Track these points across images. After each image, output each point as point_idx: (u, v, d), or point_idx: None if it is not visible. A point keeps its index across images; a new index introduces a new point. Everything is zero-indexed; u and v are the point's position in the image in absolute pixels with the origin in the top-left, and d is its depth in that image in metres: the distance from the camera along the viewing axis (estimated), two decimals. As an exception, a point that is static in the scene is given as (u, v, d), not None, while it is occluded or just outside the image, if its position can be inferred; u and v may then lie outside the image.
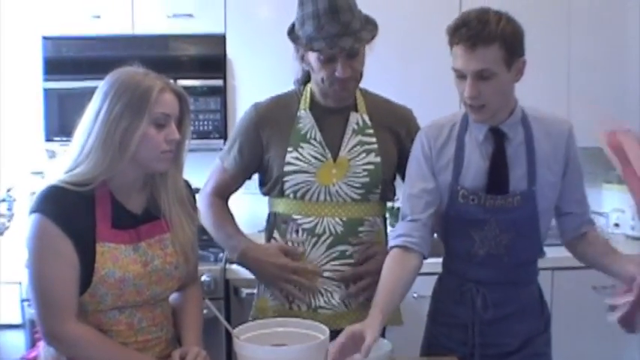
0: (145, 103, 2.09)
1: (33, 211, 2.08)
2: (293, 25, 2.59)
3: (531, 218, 2.41)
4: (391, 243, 2.47)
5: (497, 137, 2.42)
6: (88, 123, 2.12)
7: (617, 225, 4.51)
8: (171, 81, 2.22)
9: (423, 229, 2.45)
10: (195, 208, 2.40)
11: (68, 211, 2.08)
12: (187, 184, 2.37)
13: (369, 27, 2.54)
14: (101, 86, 2.15)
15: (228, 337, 2.34)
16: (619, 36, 4.40)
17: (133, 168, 2.15)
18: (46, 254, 2.07)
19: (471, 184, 2.43)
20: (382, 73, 3.69)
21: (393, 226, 2.82)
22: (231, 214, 2.78)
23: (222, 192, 2.77)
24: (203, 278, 3.71)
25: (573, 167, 2.45)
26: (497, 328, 2.45)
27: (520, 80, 2.39)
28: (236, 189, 2.81)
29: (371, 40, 2.53)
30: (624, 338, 4.01)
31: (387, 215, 2.91)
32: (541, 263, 2.56)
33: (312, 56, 2.53)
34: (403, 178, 2.75)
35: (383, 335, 2.59)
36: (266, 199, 2.77)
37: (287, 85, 2.76)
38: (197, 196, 2.58)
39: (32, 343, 2.46)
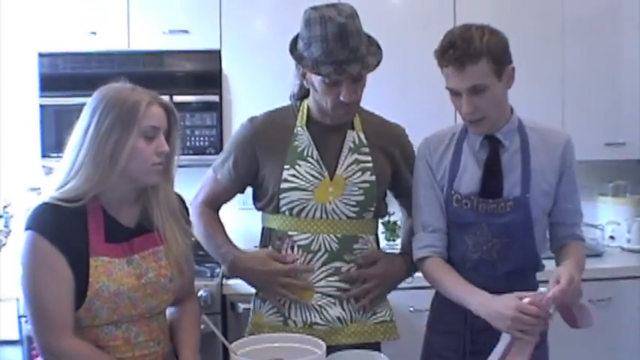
0: (133, 117, 2.11)
1: (26, 229, 2.10)
2: (295, 42, 2.56)
3: (524, 225, 2.42)
4: (419, 253, 2.55)
5: (493, 144, 2.47)
6: (77, 139, 2.13)
7: (612, 237, 4.51)
8: (160, 96, 2.24)
9: (444, 238, 2.53)
10: (188, 221, 2.41)
11: (61, 227, 2.09)
12: (180, 198, 2.38)
13: (372, 49, 2.54)
14: (89, 103, 2.16)
15: (225, 352, 2.35)
16: (613, 46, 4.43)
17: (124, 182, 2.16)
18: (41, 271, 2.08)
19: (465, 190, 2.48)
20: (378, 88, 3.70)
21: (388, 240, 2.84)
22: (222, 224, 2.77)
23: (214, 203, 2.77)
24: (200, 293, 3.71)
25: (568, 178, 2.47)
26: (489, 335, 2.45)
27: (515, 91, 2.43)
28: (228, 200, 2.80)
29: (377, 65, 2.51)
30: (622, 350, 4.02)
31: (384, 230, 2.92)
32: (539, 275, 2.56)
33: (316, 78, 2.51)
34: (396, 196, 2.77)
35: (379, 349, 2.60)
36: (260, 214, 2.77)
37: (283, 100, 2.75)
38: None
39: (31, 358, 2.46)
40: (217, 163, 2.75)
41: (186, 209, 2.41)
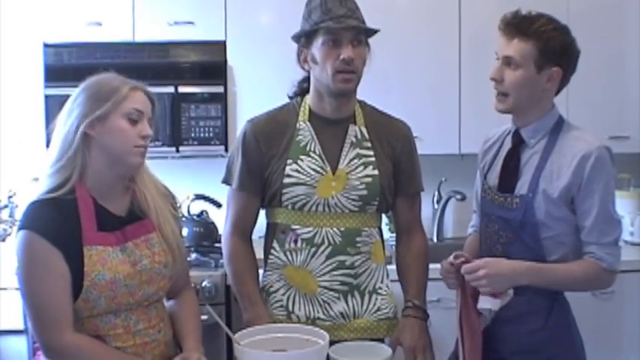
0: (116, 97, 2.17)
1: (20, 229, 2.13)
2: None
3: (525, 224, 2.42)
4: (469, 230, 2.81)
5: (516, 141, 2.52)
6: (57, 123, 2.21)
7: (615, 231, 4.50)
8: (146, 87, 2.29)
9: None
10: (176, 209, 2.44)
11: (53, 221, 2.12)
12: (167, 190, 2.41)
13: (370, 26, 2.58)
14: (73, 93, 2.24)
15: (229, 342, 2.36)
16: (617, 40, 4.42)
17: (108, 164, 2.19)
18: (38, 270, 2.11)
19: (490, 181, 2.57)
20: (382, 85, 3.71)
21: (392, 232, 2.84)
22: (255, 266, 2.71)
23: (244, 223, 2.71)
24: (204, 284, 3.73)
25: (584, 195, 2.39)
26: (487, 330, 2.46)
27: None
28: (256, 212, 2.73)
29: (373, 33, 2.57)
30: (625, 343, 4.03)
31: (387, 222, 2.93)
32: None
33: (316, 47, 2.54)
34: (392, 191, 2.74)
35: (383, 341, 2.61)
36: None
37: (287, 92, 2.77)
38: (221, 237, 2.72)
39: (34, 351, 2.47)
40: (229, 177, 2.71)
41: (173, 197, 2.44)
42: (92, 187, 2.20)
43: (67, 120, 2.17)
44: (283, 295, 2.66)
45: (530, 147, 2.49)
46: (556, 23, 2.44)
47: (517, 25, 2.41)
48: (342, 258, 2.60)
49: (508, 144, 2.55)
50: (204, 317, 2.46)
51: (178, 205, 2.51)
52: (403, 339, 2.57)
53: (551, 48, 2.39)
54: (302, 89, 2.72)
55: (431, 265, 2.68)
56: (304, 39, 2.58)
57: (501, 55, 2.44)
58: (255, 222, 2.73)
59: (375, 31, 2.57)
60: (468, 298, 2.39)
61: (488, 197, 2.55)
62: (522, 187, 2.45)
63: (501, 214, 2.47)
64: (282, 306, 2.66)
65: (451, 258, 2.45)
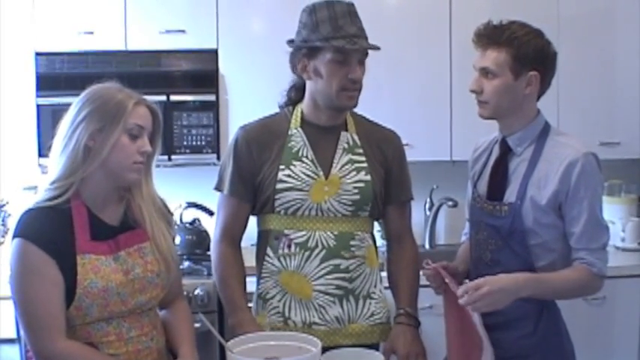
0: (120, 112, 2.17)
1: (14, 237, 2.14)
2: (291, 41, 2.62)
3: (514, 231, 2.43)
4: (462, 238, 2.83)
5: (504, 148, 2.53)
6: (59, 133, 2.20)
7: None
8: (145, 97, 2.29)
9: None
10: (170, 220, 2.44)
11: (47, 230, 2.13)
12: (161, 200, 2.41)
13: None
14: (75, 102, 2.22)
15: (222, 350, 2.36)
16: (608, 45, 4.44)
17: (105, 177, 2.20)
18: (31, 278, 2.11)
19: (480, 189, 2.58)
20: (373, 92, 3.71)
21: (383, 238, 2.85)
22: (243, 272, 2.71)
23: (234, 229, 2.71)
24: (196, 292, 3.73)
25: (572, 201, 2.39)
26: None
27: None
28: (246, 218, 2.72)
29: (377, 49, 2.57)
30: (616, 349, 4.03)
31: (379, 228, 2.93)
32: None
33: (322, 62, 2.54)
34: (385, 202, 2.74)
35: (377, 348, 2.62)
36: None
37: (278, 100, 2.78)
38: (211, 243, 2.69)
39: (27, 360, 2.48)
40: (220, 183, 2.71)
41: (167, 208, 2.44)
42: (87, 197, 2.21)
43: (71, 134, 2.16)
44: (279, 301, 2.66)
45: (517, 155, 2.50)
46: (528, 28, 2.46)
47: (489, 35, 2.43)
48: (336, 262, 2.61)
49: (496, 152, 2.57)
50: (196, 325, 2.46)
51: (174, 224, 2.50)
52: (397, 346, 2.58)
53: (524, 53, 2.40)
54: (291, 98, 2.73)
55: (422, 272, 2.69)
56: (307, 49, 2.57)
57: (478, 66, 2.46)
58: (244, 229, 2.73)
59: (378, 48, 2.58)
60: (454, 298, 2.41)
61: (478, 205, 2.57)
62: (511, 194, 2.46)
63: (490, 221, 2.49)
64: (278, 312, 2.66)
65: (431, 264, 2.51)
